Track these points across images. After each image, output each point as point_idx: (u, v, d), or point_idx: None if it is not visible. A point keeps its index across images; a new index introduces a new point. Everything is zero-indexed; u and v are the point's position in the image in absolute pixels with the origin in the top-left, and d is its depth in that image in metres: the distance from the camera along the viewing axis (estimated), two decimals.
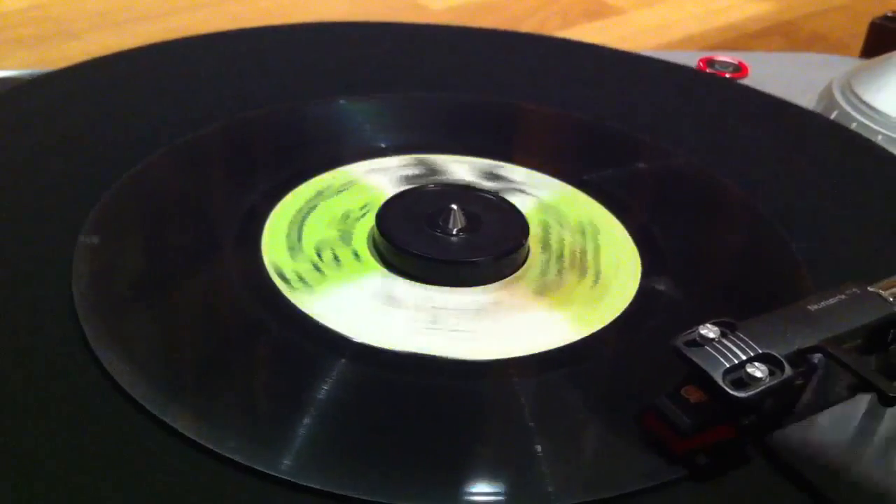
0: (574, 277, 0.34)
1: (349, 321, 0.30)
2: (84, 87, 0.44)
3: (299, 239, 0.33)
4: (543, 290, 0.33)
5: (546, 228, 0.36)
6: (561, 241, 0.36)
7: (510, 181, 0.39)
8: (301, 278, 0.31)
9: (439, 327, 0.31)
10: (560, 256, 0.35)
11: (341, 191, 0.37)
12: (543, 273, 0.34)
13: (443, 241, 0.34)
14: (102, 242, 0.33)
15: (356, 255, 0.33)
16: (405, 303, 0.32)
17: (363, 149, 0.41)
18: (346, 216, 0.35)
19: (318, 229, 0.35)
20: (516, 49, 0.53)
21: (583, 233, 0.36)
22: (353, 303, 0.31)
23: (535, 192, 0.39)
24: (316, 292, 0.31)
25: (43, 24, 0.62)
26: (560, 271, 0.34)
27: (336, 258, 0.33)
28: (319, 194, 0.36)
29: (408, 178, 0.38)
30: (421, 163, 0.40)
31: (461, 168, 0.40)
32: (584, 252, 0.35)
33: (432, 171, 0.39)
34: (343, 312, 0.31)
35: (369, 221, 0.35)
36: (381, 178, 0.38)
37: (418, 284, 0.33)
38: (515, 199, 0.37)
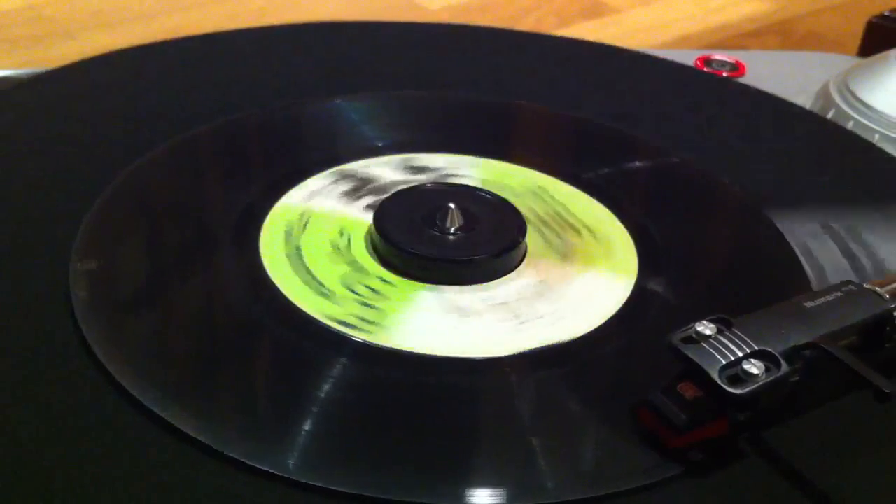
0: (573, 237, 0.36)
1: (445, 342, 0.30)
2: (80, 87, 0.44)
3: (321, 283, 0.32)
4: (565, 255, 0.35)
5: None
6: (531, 209, 0.37)
7: (435, 169, 0.39)
8: (364, 320, 0.31)
9: (524, 320, 0.31)
10: (545, 223, 0.36)
11: (306, 226, 0.35)
12: (548, 242, 0.35)
13: (453, 241, 0.34)
14: (101, 243, 0.33)
15: (383, 280, 0.33)
16: (474, 308, 0.32)
17: (360, 148, 0.41)
18: (336, 247, 0.34)
19: (328, 267, 0.33)
20: (513, 47, 0.53)
21: (536, 195, 0.38)
22: (431, 324, 0.31)
23: (468, 173, 0.39)
24: (391, 328, 0.31)
25: (38, 23, 0.62)
26: (559, 235, 0.35)
27: (373, 290, 0.32)
28: (289, 235, 0.35)
29: (346, 195, 0.37)
30: (344, 175, 0.39)
31: (382, 170, 0.39)
32: (557, 213, 0.36)
33: (362, 181, 0.38)
34: (433, 334, 0.31)
35: (359, 242, 0.35)
36: (324, 200, 0.37)
37: (463, 287, 0.33)
38: None
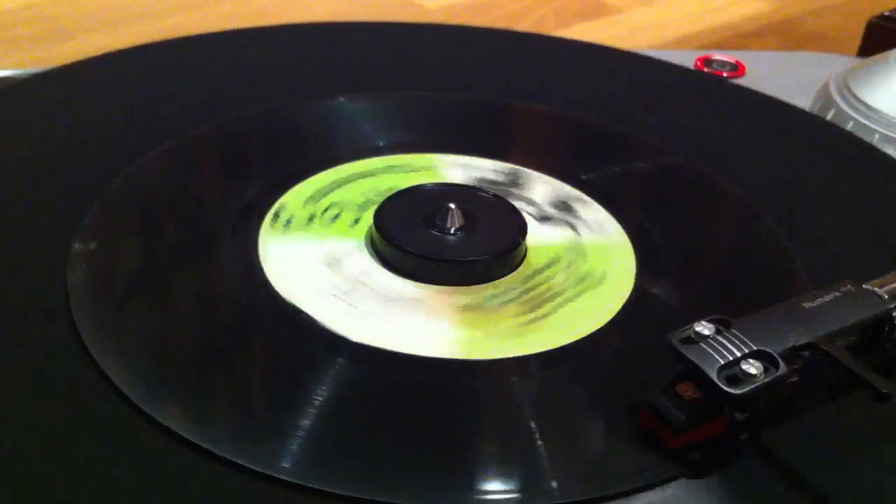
0: (515, 310, 0.32)
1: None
2: (80, 87, 0.44)
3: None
4: (472, 309, 0.32)
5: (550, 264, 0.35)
6: (547, 278, 0.34)
7: (578, 217, 0.38)
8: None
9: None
10: (528, 290, 0.33)
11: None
12: (497, 296, 0.33)
13: (453, 242, 0.34)
14: (98, 242, 0.33)
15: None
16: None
17: (359, 148, 0.41)
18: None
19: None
20: (513, 48, 0.53)
21: (580, 283, 0.34)
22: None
23: (586, 232, 0.37)
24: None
25: (38, 23, 0.62)
26: (508, 301, 0.33)
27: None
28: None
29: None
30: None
31: (542, 188, 0.39)
32: (555, 294, 0.33)
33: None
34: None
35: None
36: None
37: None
38: (561, 230, 0.36)
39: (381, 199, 0.36)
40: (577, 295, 0.33)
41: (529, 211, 0.37)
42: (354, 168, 0.39)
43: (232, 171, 0.39)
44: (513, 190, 0.39)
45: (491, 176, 0.40)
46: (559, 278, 0.34)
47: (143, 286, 0.32)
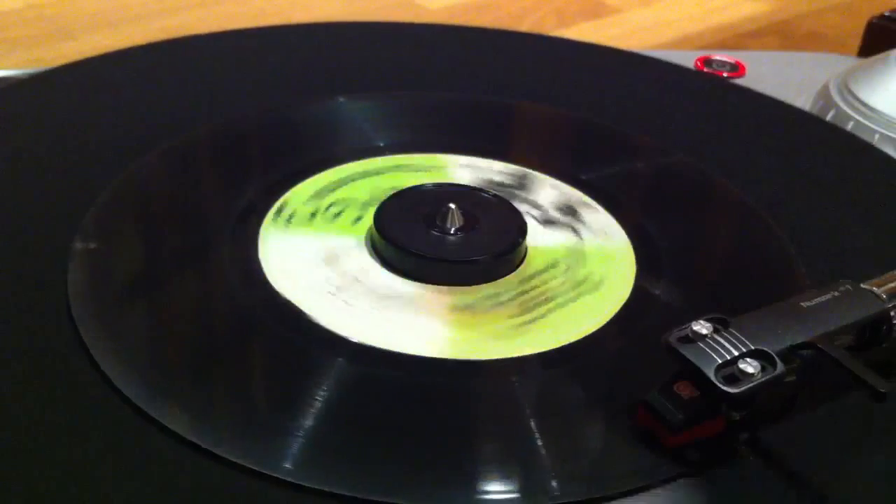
0: (508, 313, 0.32)
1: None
2: (80, 87, 0.44)
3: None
4: (465, 309, 0.32)
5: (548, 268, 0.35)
6: (544, 282, 0.34)
7: (582, 221, 0.37)
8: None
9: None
10: (522, 293, 0.33)
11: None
12: (492, 297, 0.33)
13: (453, 242, 0.34)
14: (98, 243, 0.33)
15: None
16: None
17: (359, 148, 0.41)
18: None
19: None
20: (513, 48, 0.53)
21: (576, 287, 0.34)
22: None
23: (589, 237, 0.36)
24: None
25: (38, 24, 0.62)
26: (501, 304, 0.33)
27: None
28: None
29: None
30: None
31: (548, 192, 0.39)
32: (549, 299, 0.33)
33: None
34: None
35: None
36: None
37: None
38: (563, 234, 0.36)
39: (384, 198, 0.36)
40: (572, 300, 0.33)
41: (534, 214, 0.37)
42: (360, 167, 0.40)
43: (232, 172, 0.39)
44: (519, 192, 0.39)
45: (497, 178, 0.40)
46: (555, 282, 0.34)
47: (143, 286, 0.32)
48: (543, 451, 0.26)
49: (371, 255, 0.34)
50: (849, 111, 0.47)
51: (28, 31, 0.61)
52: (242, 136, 0.41)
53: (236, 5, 0.67)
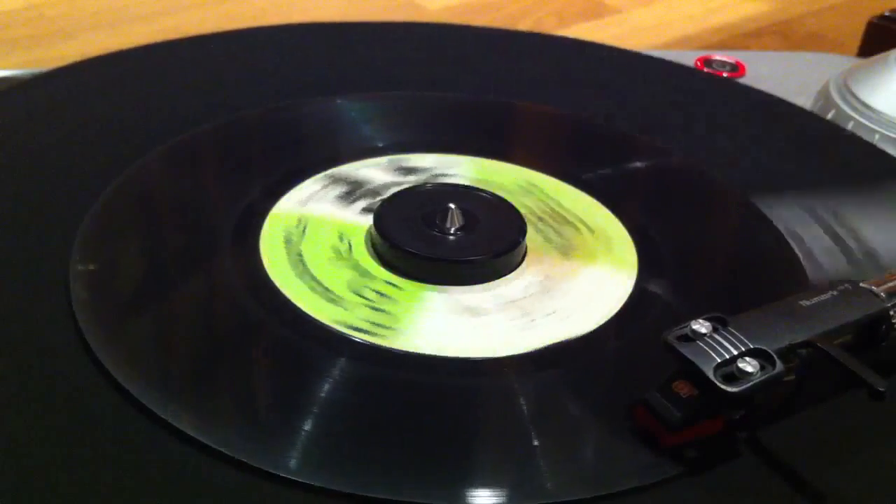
0: (571, 232, 0.36)
1: (461, 343, 0.30)
2: (80, 87, 0.44)
3: (328, 289, 0.32)
4: (565, 251, 0.35)
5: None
6: (525, 206, 0.37)
7: (425, 170, 0.39)
8: (378, 325, 0.31)
9: (534, 317, 0.32)
10: (540, 219, 0.36)
11: (305, 232, 0.35)
12: (547, 239, 0.36)
13: (454, 242, 0.34)
14: (98, 242, 0.33)
15: (390, 283, 0.33)
16: (483, 307, 0.32)
17: (359, 148, 0.41)
18: (337, 251, 0.34)
19: (333, 273, 0.33)
20: (513, 47, 0.53)
21: (528, 191, 0.38)
22: (444, 326, 0.31)
23: (458, 172, 0.39)
24: (405, 331, 0.31)
25: (38, 23, 0.62)
26: (557, 232, 0.36)
27: (381, 293, 0.32)
28: (289, 241, 0.34)
29: (340, 199, 0.37)
30: (336, 179, 0.38)
31: (373, 172, 0.39)
32: (551, 209, 0.37)
33: (354, 184, 0.38)
34: (447, 335, 0.31)
35: (360, 246, 0.34)
36: (319, 205, 0.37)
37: (470, 287, 0.33)
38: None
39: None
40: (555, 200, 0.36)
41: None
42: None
43: (232, 172, 0.39)
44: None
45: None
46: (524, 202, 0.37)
47: (144, 287, 0.32)
48: (542, 451, 0.26)
49: (372, 255, 0.34)
50: (849, 111, 0.46)
51: (28, 31, 0.61)
52: (242, 136, 0.41)
53: (236, 5, 0.67)
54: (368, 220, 0.35)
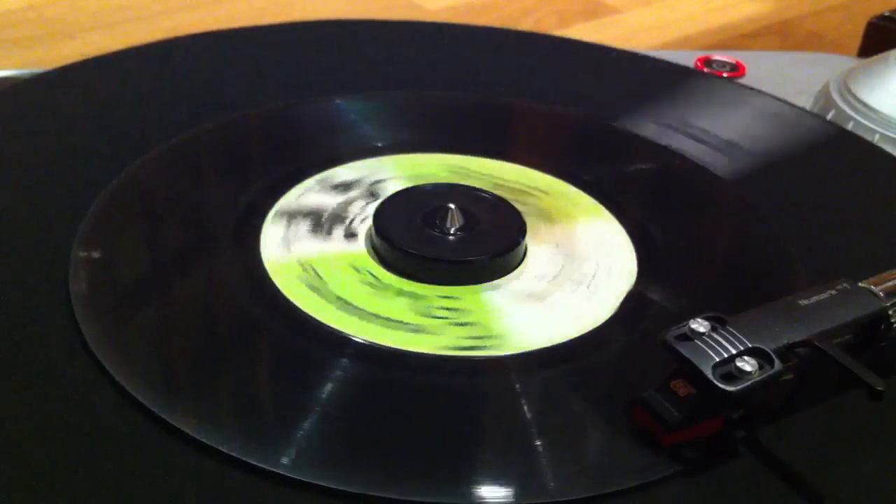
0: (532, 199, 0.37)
1: (558, 328, 0.31)
2: (80, 87, 0.44)
3: (402, 322, 0.31)
4: (547, 216, 0.36)
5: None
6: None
7: (356, 182, 0.38)
8: (477, 337, 0.30)
9: (583, 282, 0.33)
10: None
11: (322, 276, 0.33)
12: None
13: (454, 242, 0.34)
14: (99, 242, 0.33)
15: (446, 296, 0.32)
16: (540, 290, 0.33)
17: (359, 148, 0.41)
18: (369, 284, 0.33)
19: (387, 305, 0.32)
20: (513, 48, 0.53)
21: (461, 174, 0.39)
22: (526, 317, 0.31)
23: (385, 175, 0.39)
24: (504, 335, 0.31)
25: (38, 23, 0.62)
26: (522, 203, 0.37)
27: (449, 308, 0.32)
28: (317, 290, 0.32)
29: (314, 233, 0.35)
30: (290, 215, 0.36)
31: (311, 197, 0.37)
32: (497, 185, 0.38)
33: (311, 215, 0.36)
34: (536, 326, 0.31)
35: (378, 270, 0.34)
36: (304, 244, 0.35)
37: (510, 277, 0.33)
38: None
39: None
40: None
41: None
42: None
43: (233, 171, 0.39)
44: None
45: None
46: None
47: (144, 286, 0.32)
48: (541, 450, 0.26)
49: (372, 256, 0.34)
50: (849, 111, 0.46)
51: (28, 31, 0.61)
52: (242, 136, 0.42)
53: (236, 5, 0.67)
54: (359, 244, 0.35)
